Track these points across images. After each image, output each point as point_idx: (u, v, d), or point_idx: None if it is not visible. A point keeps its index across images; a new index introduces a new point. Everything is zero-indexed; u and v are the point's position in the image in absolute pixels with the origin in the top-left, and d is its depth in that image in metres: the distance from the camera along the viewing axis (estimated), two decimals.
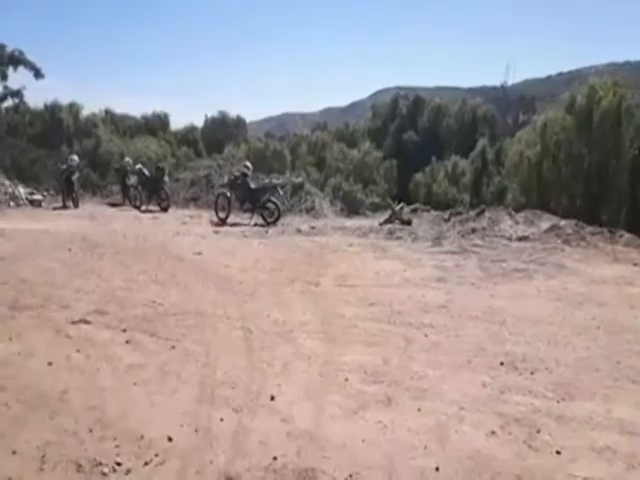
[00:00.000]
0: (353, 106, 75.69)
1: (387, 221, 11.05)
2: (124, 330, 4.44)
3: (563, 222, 9.21)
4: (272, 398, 3.31)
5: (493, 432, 2.99)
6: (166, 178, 14.65)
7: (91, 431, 2.90)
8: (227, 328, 4.63)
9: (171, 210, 14.00)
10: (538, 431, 3.00)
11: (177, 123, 34.10)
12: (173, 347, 4.12)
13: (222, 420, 3.03)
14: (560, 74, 68.19)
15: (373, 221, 11.59)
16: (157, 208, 14.12)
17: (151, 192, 14.39)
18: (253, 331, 4.53)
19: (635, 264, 7.04)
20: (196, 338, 4.35)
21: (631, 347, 4.19)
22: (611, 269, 6.77)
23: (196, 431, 2.92)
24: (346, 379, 3.61)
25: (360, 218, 12.74)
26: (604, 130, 12.35)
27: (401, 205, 12.23)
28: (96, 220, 11.82)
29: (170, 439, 2.83)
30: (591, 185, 12.42)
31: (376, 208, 13.82)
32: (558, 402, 3.34)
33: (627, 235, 8.37)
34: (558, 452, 2.80)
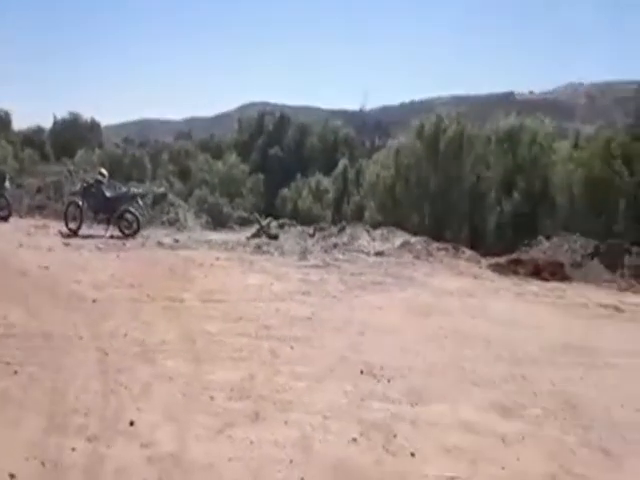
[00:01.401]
0: (219, 118, 74.78)
1: (254, 235, 11.07)
2: None
3: (414, 239, 9.98)
4: (131, 423, 3.12)
5: (354, 439, 3.12)
6: (7, 183, 13.13)
7: None
8: (79, 350, 4.27)
9: (12, 219, 12.57)
10: (395, 435, 3.19)
11: (21, 123, 31.11)
12: (15, 372, 3.70)
13: (74, 450, 2.78)
14: (412, 102, 74.28)
15: (240, 235, 11.52)
16: None
17: None
18: (108, 352, 4.23)
19: (475, 277, 7.85)
20: (42, 361, 3.95)
21: (473, 354, 4.65)
22: (455, 282, 7.48)
23: (43, 464, 2.65)
24: (211, 397, 3.53)
25: (227, 232, 12.57)
26: (448, 157, 13.72)
27: (268, 220, 12.34)
28: None
29: (12, 475, 2.54)
30: (437, 206, 13.68)
31: (243, 222, 13.76)
32: (412, 407, 3.60)
33: (469, 252, 9.33)
34: (412, 454, 3.01)
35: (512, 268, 8.16)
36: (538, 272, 7.96)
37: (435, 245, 9.51)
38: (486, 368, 4.31)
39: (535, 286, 7.45)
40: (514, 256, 8.68)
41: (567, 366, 4.45)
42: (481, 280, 7.70)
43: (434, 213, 13.68)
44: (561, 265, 8.11)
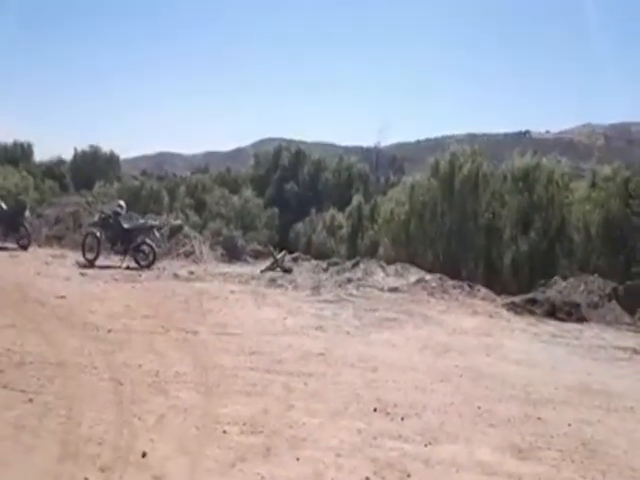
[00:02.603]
0: (236, 152, 76.10)
1: (268, 269, 11.09)
2: None
3: (428, 276, 9.93)
4: (144, 454, 3.11)
5: (367, 478, 3.08)
6: (27, 213, 13.43)
7: None
8: (93, 379, 4.30)
9: (31, 248, 12.81)
10: (409, 475, 3.14)
11: (42, 154, 31.98)
12: (30, 400, 3.73)
13: None
14: (427, 139, 74.93)
15: (255, 268, 11.57)
16: (15, 245, 12.84)
17: (9, 227, 13.07)
18: (123, 383, 4.25)
19: (491, 316, 7.76)
20: (57, 390, 3.98)
21: (489, 393, 4.58)
22: (471, 321, 7.40)
23: None
24: (224, 431, 3.52)
25: (242, 264, 12.64)
26: (464, 194, 13.75)
27: (282, 253, 12.38)
28: None
29: None
30: (452, 243, 13.64)
31: (257, 255, 13.82)
32: (426, 446, 3.54)
33: (484, 290, 9.24)
34: None
35: (528, 308, 8.07)
36: (554, 312, 7.86)
37: (450, 283, 9.45)
38: (501, 408, 4.24)
39: (551, 326, 7.35)
40: (530, 296, 8.59)
41: (584, 408, 4.36)
42: (497, 319, 7.62)
43: (449, 250, 13.64)
44: (578, 306, 8.00)
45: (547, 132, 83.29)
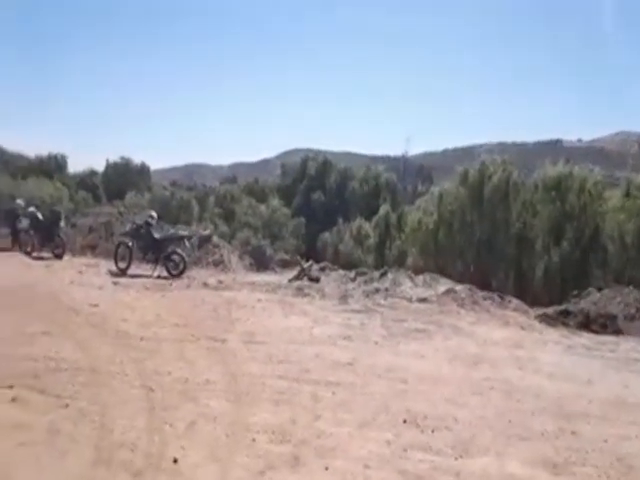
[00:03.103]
0: (263, 163, 76.76)
1: (296, 278, 11.14)
2: (10, 387, 4.06)
3: (458, 286, 9.79)
4: (175, 461, 3.15)
5: None
6: (62, 223, 13.82)
7: None
8: (125, 386, 4.38)
9: (66, 257, 13.17)
10: None
11: (76, 166, 32.85)
12: (66, 405, 3.82)
13: None
14: (455, 149, 74.13)
15: (282, 277, 11.63)
16: (51, 255, 13.21)
17: (45, 237, 13.46)
18: (154, 390, 4.32)
19: (522, 328, 7.62)
20: (91, 396, 4.07)
21: (520, 406, 4.49)
22: (502, 332, 7.27)
23: None
24: (253, 439, 3.53)
25: (269, 274, 12.73)
26: (494, 203, 13.59)
27: (310, 263, 12.42)
28: None
29: None
30: (482, 253, 13.46)
31: (285, 264, 13.91)
32: (456, 459, 3.48)
33: (515, 301, 9.07)
34: None
35: (561, 319, 7.88)
36: (588, 324, 7.66)
37: (480, 294, 9.30)
38: (534, 422, 4.14)
39: (585, 339, 7.16)
40: (563, 307, 8.40)
41: (620, 423, 4.22)
42: (529, 331, 7.47)
43: (478, 260, 13.46)
44: (614, 317, 7.79)
45: (579, 140, 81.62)
